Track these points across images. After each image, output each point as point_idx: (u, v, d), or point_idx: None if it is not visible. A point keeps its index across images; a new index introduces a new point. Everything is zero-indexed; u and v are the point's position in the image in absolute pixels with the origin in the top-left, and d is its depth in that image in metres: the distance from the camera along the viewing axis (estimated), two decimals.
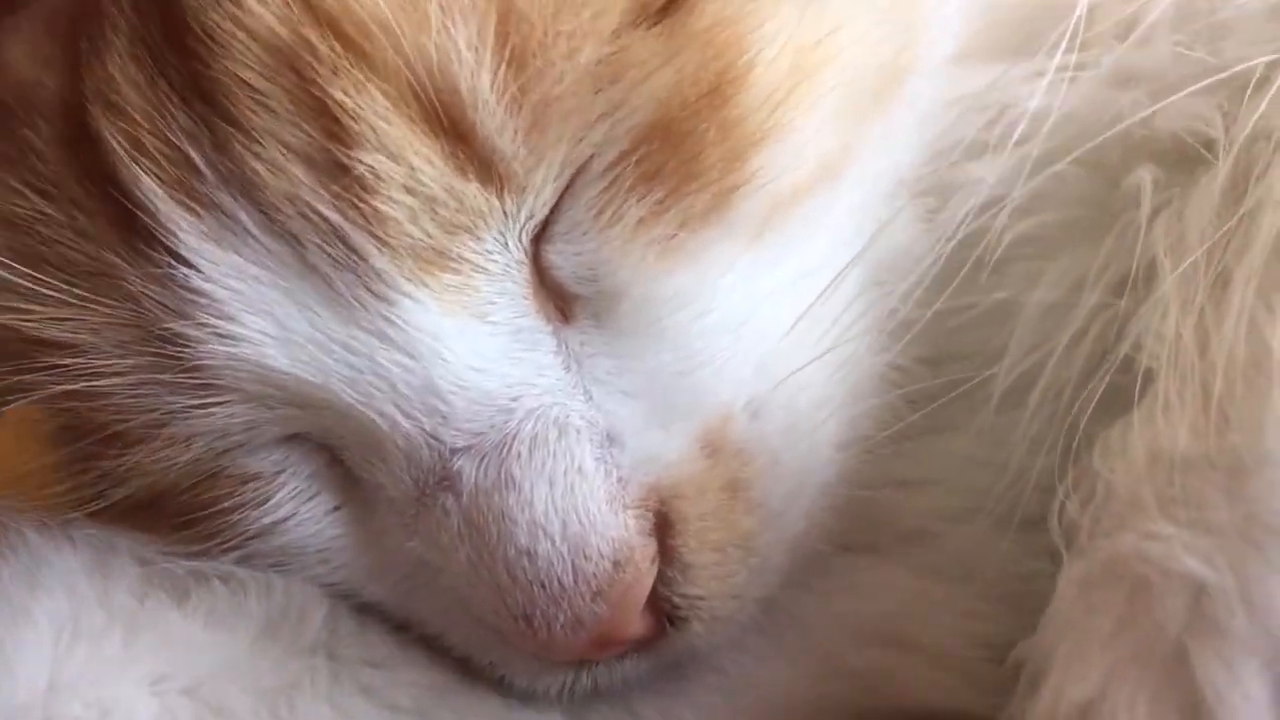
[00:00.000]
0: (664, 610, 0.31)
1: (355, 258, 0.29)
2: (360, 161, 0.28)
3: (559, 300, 0.31)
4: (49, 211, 0.31)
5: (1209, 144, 0.32)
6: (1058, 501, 0.32)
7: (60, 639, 0.31)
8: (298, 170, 0.28)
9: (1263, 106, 0.30)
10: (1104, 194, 0.34)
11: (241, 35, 0.28)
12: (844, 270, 0.33)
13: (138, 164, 0.29)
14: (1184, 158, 0.32)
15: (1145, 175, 0.33)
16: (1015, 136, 0.35)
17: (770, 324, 0.32)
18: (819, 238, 0.33)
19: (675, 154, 0.30)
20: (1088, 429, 0.32)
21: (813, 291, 0.32)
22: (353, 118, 0.28)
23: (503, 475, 0.30)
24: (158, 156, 0.29)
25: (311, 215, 0.29)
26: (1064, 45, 0.35)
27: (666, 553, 0.31)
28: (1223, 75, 0.31)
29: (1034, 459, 0.34)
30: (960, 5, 0.36)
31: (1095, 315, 0.33)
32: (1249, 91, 0.31)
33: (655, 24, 0.30)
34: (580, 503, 0.30)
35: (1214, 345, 0.29)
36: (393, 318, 0.29)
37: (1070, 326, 0.33)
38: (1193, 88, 0.32)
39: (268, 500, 0.33)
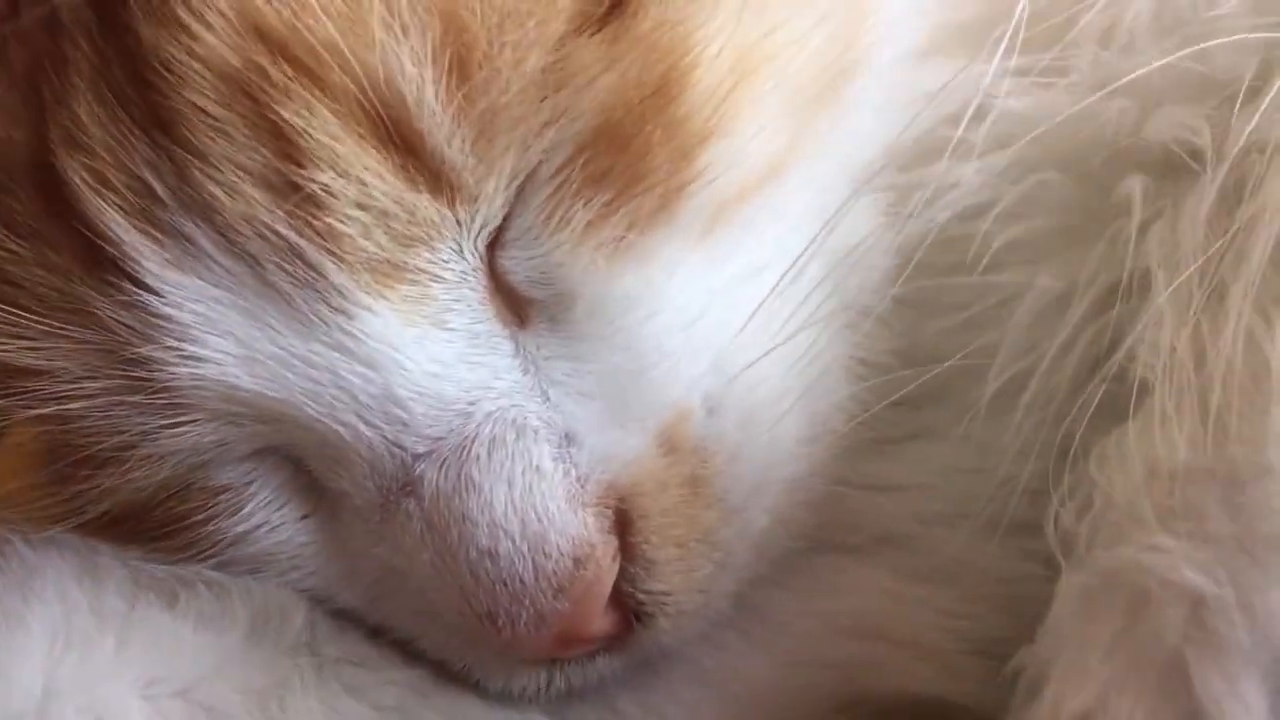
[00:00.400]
0: (629, 607, 0.32)
1: (313, 274, 0.30)
2: (313, 180, 0.29)
3: (515, 305, 0.32)
4: (20, 251, 0.32)
5: (1196, 154, 0.32)
6: (1053, 509, 0.32)
7: (54, 645, 0.32)
8: (254, 192, 0.29)
9: (1255, 119, 0.30)
10: (1093, 202, 0.34)
11: (196, 65, 0.29)
12: (796, 264, 0.33)
13: (101, 197, 0.30)
14: (1172, 167, 0.33)
15: (1135, 185, 0.33)
16: (995, 138, 0.35)
17: (723, 321, 0.33)
18: (768, 234, 0.33)
19: (622, 156, 0.31)
20: (1083, 437, 0.32)
21: (765, 287, 0.33)
22: (304, 137, 0.29)
23: (463, 478, 0.30)
24: (120, 188, 0.30)
25: (269, 235, 0.29)
26: (1014, 46, 0.35)
27: (628, 550, 0.31)
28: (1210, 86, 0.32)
29: (1022, 465, 0.34)
30: (912, 2, 0.37)
31: (1086, 323, 0.34)
32: (1239, 102, 0.31)
33: (598, 30, 0.30)
34: (539, 501, 0.30)
35: (1211, 358, 0.29)
36: (352, 330, 0.30)
37: (1060, 334, 0.34)
38: (1179, 97, 0.32)
39: (239, 510, 0.33)
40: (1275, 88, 0.30)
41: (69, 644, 0.32)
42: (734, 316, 0.33)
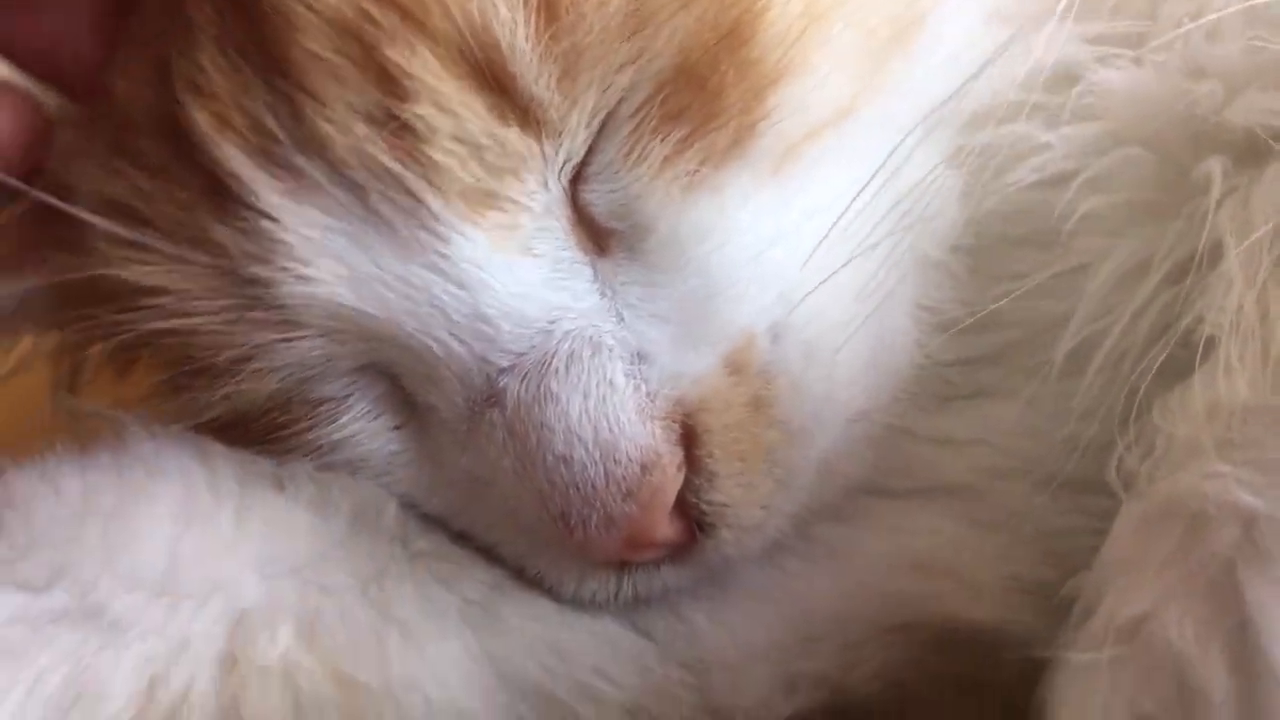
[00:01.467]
0: (693, 517, 0.34)
1: (413, 201, 0.33)
2: (415, 115, 0.32)
3: (596, 234, 0.34)
4: (148, 187, 0.35)
5: (1277, 136, 0.33)
6: (1116, 455, 0.33)
7: (177, 519, 0.35)
8: (362, 128, 0.32)
9: None
10: (1173, 179, 0.35)
11: (311, 15, 0.32)
12: (859, 200, 0.35)
13: (224, 137, 0.33)
14: (1253, 150, 0.34)
15: (1215, 165, 0.34)
16: (1084, 108, 0.37)
17: (790, 254, 0.34)
18: (837, 173, 0.35)
19: (698, 95, 0.33)
20: (1147, 394, 0.33)
21: (831, 223, 0.35)
22: (407, 76, 0.31)
23: (542, 390, 0.33)
24: (240, 129, 0.33)
25: (374, 166, 0.32)
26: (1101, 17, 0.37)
27: (693, 462, 0.34)
28: None
29: (1086, 426, 0.35)
30: None
31: (1159, 293, 0.35)
32: None
33: None
34: (611, 412, 0.32)
35: (1274, 314, 0.30)
36: (447, 253, 0.33)
37: (1134, 303, 0.35)
38: (1265, 83, 0.33)
39: (337, 420, 0.36)
40: None
41: (190, 518, 0.35)
42: (801, 250, 0.34)
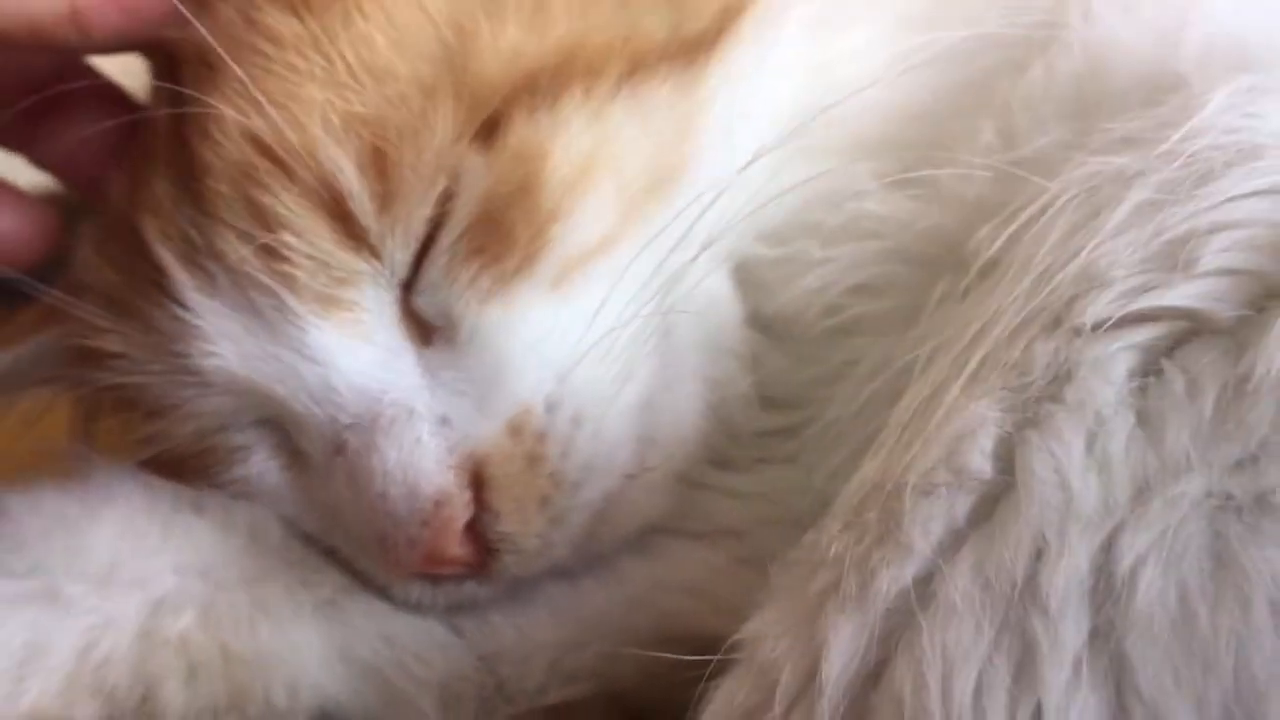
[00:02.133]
0: (484, 543, 0.44)
1: (280, 302, 0.44)
2: (278, 240, 0.43)
3: (422, 329, 0.45)
4: (116, 278, 0.48)
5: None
6: None
7: (119, 533, 0.47)
8: (244, 247, 0.44)
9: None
10: (922, 291, 0.42)
11: (218, 162, 0.44)
12: (626, 310, 0.45)
13: (162, 245, 0.45)
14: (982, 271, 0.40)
15: (944, 281, 0.41)
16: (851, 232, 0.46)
17: (565, 345, 0.44)
18: (604, 286, 0.45)
19: (495, 232, 0.44)
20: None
21: (600, 323, 0.45)
22: (274, 212, 0.43)
23: (369, 443, 0.44)
24: (175, 239, 0.45)
25: (254, 274, 0.44)
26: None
27: (482, 502, 0.44)
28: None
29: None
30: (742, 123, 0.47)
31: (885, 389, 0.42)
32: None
33: (482, 147, 0.43)
34: (416, 462, 0.43)
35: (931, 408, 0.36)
36: (305, 340, 0.44)
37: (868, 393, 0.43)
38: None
39: (245, 461, 0.48)
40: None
41: (128, 532, 0.47)
42: (574, 341, 0.44)
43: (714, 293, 0.49)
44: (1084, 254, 0.32)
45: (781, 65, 0.49)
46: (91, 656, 0.45)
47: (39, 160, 0.53)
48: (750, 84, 0.48)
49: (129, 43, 0.48)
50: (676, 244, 0.46)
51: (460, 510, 0.44)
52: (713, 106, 0.47)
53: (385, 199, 0.43)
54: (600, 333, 0.45)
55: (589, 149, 0.45)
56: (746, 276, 0.50)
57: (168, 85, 0.45)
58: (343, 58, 0.43)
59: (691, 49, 0.47)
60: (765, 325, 0.50)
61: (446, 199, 0.43)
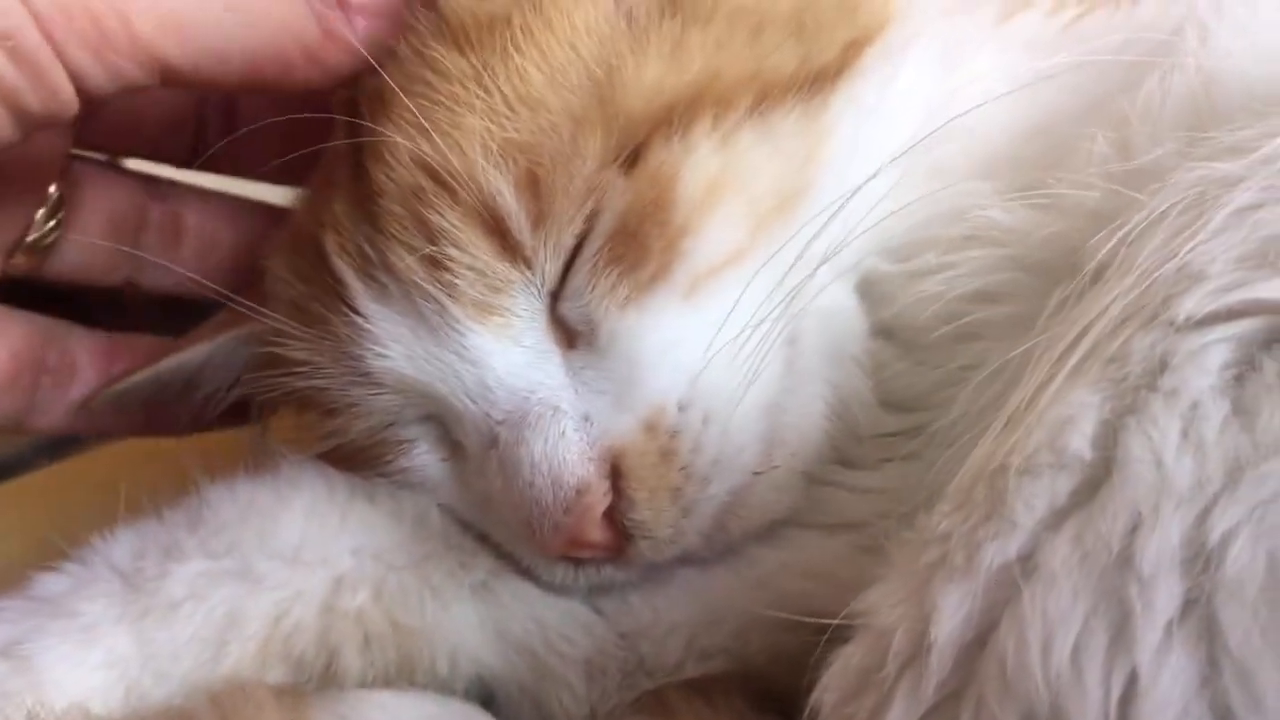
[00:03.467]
0: (620, 529, 0.49)
1: (442, 308, 0.49)
2: (442, 253, 0.48)
3: (567, 333, 0.50)
4: (301, 289, 0.54)
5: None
6: None
7: (306, 517, 0.52)
8: (412, 261, 0.49)
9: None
10: (1040, 298, 0.43)
11: (390, 184, 0.49)
12: (755, 317, 0.49)
13: (341, 259, 0.51)
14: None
15: (1059, 289, 0.42)
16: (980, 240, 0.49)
17: (697, 349, 0.48)
18: (733, 296, 0.48)
19: (631, 245, 0.48)
20: None
21: (730, 329, 0.48)
22: (440, 228, 0.48)
23: (519, 436, 0.49)
24: (352, 253, 0.51)
25: (421, 283, 0.49)
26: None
27: (619, 491, 0.48)
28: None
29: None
30: (876, 151, 0.50)
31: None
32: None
33: (625, 168, 0.48)
34: (560, 454, 0.48)
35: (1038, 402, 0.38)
36: (464, 344, 0.49)
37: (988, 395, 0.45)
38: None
39: (409, 453, 0.53)
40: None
41: (312, 516, 0.53)
42: (704, 346, 0.48)
43: (837, 303, 0.52)
44: (1183, 253, 0.35)
45: (904, 93, 0.52)
46: (282, 626, 0.51)
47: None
48: (874, 111, 0.51)
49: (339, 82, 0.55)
50: (799, 257, 0.49)
51: (599, 499, 0.48)
52: (837, 132, 0.51)
53: (539, 217, 0.48)
54: (729, 339, 0.49)
55: (716, 171, 0.48)
56: (870, 289, 0.53)
57: (348, 119, 0.51)
58: (500, 90, 0.48)
59: (818, 80, 0.50)
60: (888, 332, 0.52)
61: (593, 216, 0.48)
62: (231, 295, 0.55)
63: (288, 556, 0.52)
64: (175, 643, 0.50)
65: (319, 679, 0.51)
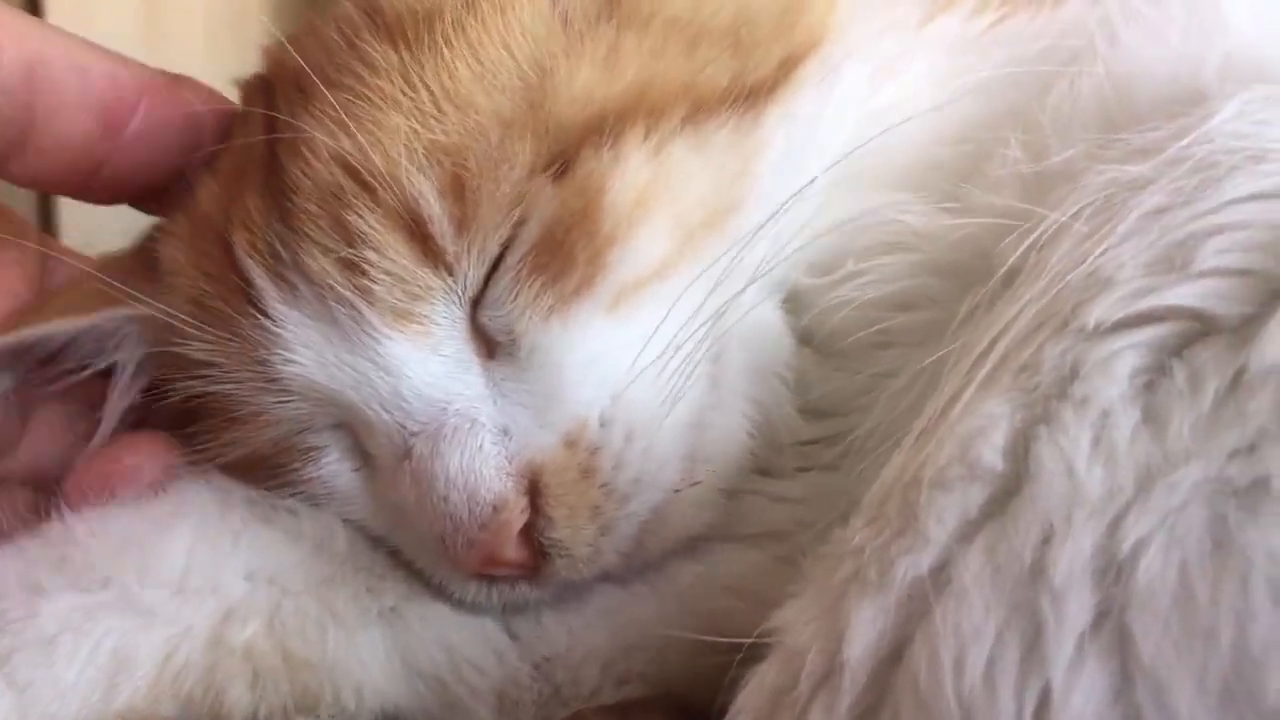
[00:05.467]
0: (538, 547, 0.47)
1: (357, 314, 0.47)
2: (359, 256, 0.46)
3: (488, 343, 0.48)
4: (208, 288, 0.51)
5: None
6: None
7: (193, 541, 0.49)
8: (328, 264, 0.47)
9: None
10: (953, 302, 0.43)
11: (307, 182, 0.47)
12: (679, 334, 0.47)
13: (251, 258, 0.49)
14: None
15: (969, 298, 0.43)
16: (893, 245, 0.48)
17: (620, 364, 0.47)
18: (658, 311, 0.47)
19: (558, 254, 0.46)
20: None
21: (655, 344, 0.47)
22: (358, 230, 0.46)
23: (435, 449, 0.47)
24: (263, 253, 0.49)
25: (336, 287, 0.47)
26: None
27: (537, 508, 0.46)
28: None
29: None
30: (808, 167, 0.50)
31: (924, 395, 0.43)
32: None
33: (554, 179, 0.46)
34: (477, 468, 0.46)
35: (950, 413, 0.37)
36: (379, 351, 0.47)
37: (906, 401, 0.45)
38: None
39: (317, 461, 0.51)
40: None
41: (201, 539, 0.49)
42: (628, 361, 0.47)
43: (763, 321, 0.51)
44: (1091, 259, 0.34)
45: (837, 109, 0.52)
46: (171, 664, 0.47)
47: None
48: (807, 127, 0.51)
49: None
50: (728, 274, 0.48)
51: (516, 515, 0.46)
52: (770, 147, 0.50)
53: (463, 223, 0.46)
54: (654, 354, 0.48)
55: (646, 182, 0.47)
56: (793, 302, 0.52)
57: (260, 109, 0.49)
58: (428, 87, 0.47)
59: (752, 94, 0.50)
60: (807, 338, 0.52)
61: (519, 224, 0.47)
62: (128, 290, 0.52)
63: (174, 584, 0.49)
64: (60, 683, 0.46)
65: (208, 717, 0.48)
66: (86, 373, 0.56)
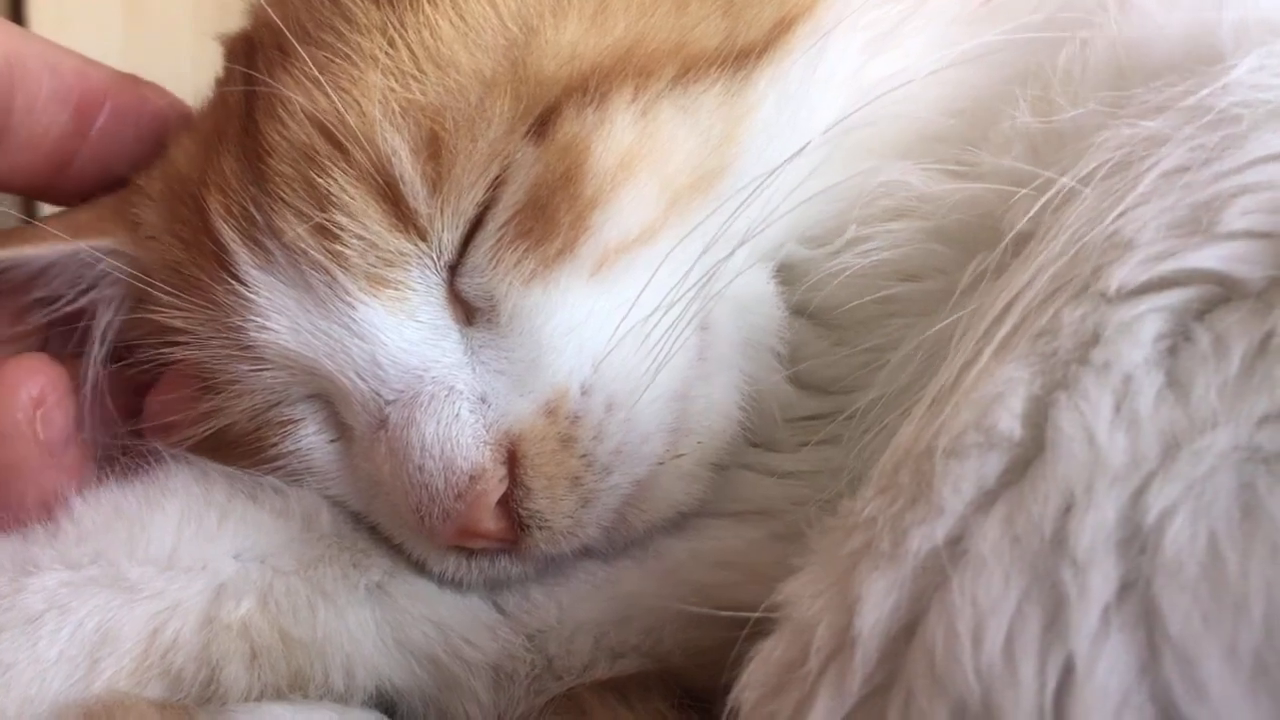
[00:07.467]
0: (516, 518, 0.45)
1: (331, 279, 0.46)
2: (331, 220, 0.45)
3: (466, 310, 0.47)
4: (182, 254, 0.49)
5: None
6: None
7: (181, 520, 0.48)
8: (300, 227, 0.45)
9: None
10: (957, 269, 0.42)
11: (282, 143, 0.46)
12: (666, 300, 0.46)
13: (225, 222, 0.47)
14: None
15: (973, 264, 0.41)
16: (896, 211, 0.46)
17: (601, 331, 0.46)
18: (642, 276, 0.46)
19: (540, 218, 0.45)
20: None
21: (638, 311, 0.46)
22: (329, 193, 0.45)
23: (410, 417, 0.45)
24: (237, 216, 0.47)
25: (309, 252, 0.46)
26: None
27: (515, 478, 0.45)
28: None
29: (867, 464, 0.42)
30: (799, 132, 0.48)
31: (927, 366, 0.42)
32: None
33: (535, 138, 0.45)
34: (453, 437, 0.44)
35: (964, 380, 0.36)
36: (354, 316, 0.46)
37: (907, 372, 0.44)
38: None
39: (294, 434, 0.49)
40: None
41: (188, 519, 0.48)
42: (611, 328, 0.45)
43: (755, 290, 0.49)
44: (1110, 220, 0.33)
45: (830, 74, 0.50)
46: (159, 641, 0.46)
47: None
48: (798, 91, 0.49)
49: None
50: (715, 239, 0.47)
51: (494, 485, 0.45)
52: (760, 111, 0.48)
53: (437, 182, 0.45)
54: (637, 321, 0.46)
55: (631, 143, 0.46)
56: (788, 274, 0.50)
57: (240, 67, 0.47)
58: (408, 45, 0.45)
59: (743, 56, 0.48)
60: (804, 309, 0.50)
61: (497, 185, 0.45)
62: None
63: (161, 562, 0.47)
64: (40, 663, 0.44)
65: (197, 696, 0.46)
66: (60, 304, 0.54)
